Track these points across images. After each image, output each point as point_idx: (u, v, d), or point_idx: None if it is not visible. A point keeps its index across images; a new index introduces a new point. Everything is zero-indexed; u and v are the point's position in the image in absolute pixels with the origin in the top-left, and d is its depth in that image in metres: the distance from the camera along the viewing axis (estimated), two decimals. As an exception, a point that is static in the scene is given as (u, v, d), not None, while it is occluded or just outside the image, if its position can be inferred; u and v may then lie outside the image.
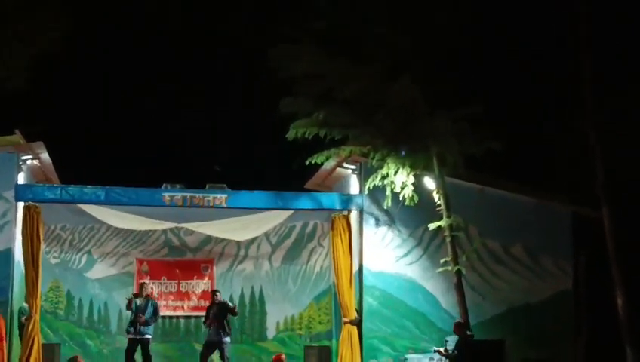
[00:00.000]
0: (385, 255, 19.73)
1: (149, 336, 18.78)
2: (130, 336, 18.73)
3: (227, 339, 18.85)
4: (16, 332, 18.58)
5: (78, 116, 27.24)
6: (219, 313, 18.86)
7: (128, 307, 18.82)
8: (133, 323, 18.69)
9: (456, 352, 16.00)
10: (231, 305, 19.06)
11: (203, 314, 19.80)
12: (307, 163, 18.82)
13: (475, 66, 17.93)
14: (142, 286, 19.32)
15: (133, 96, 27.43)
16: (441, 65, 17.33)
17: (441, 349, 16.37)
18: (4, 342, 17.49)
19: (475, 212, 19.48)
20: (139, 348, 18.65)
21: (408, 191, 18.19)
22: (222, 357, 18.88)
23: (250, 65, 24.18)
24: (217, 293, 19.30)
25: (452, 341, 16.92)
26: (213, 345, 18.86)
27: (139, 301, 18.85)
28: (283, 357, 19.88)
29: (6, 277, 18.47)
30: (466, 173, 18.56)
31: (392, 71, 17.39)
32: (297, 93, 17.85)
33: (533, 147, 21.47)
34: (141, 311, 18.64)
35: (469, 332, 16.65)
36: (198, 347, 20.59)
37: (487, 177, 19.77)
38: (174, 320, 21.55)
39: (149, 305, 18.84)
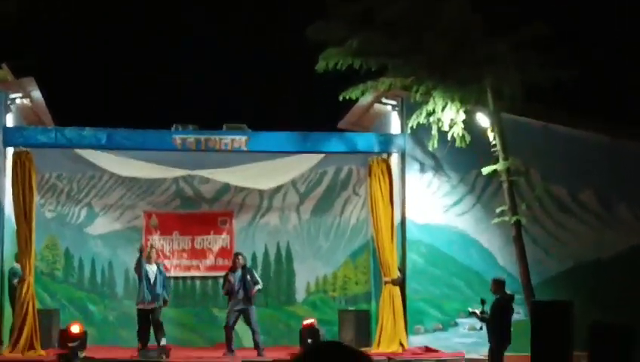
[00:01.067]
0: (431, 204, 19.58)
1: (159, 304, 18.84)
2: (141, 307, 18.73)
3: (253, 306, 18.89)
4: (7, 297, 18.61)
5: (75, 47, 27.07)
6: (245, 278, 18.78)
7: (138, 269, 18.81)
8: (147, 291, 18.69)
9: (488, 314, 15.92)
10: (256, 276, 19.07)
11: (221, 274, 19.73)
12: (340, 98, 18.55)
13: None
14: (149, 253, 19.21)
15: (139, 23, 27.22)
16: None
17: (477, 310, 16.26)
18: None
19: (538, 153, 19.20)
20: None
21: (458, 130, 17.90)
22: (251, 325, 18.85)
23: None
24: (240, 256, 19.18)
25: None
26: (239, 312, 18.84)
27: (147, 267, 18.82)
28: (314, 322, 19.78)
29: (-5, 234, 18.49)
30: (527, 107, 18.25)
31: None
32: (329, 16, 17.53)
33: (608, 76, 21.11)
34: (152, 281, 18.69)
35: (508, 292, 16.48)
36: (217, 312, 20.63)
37: (552, 112, 19.48)
38: (189, 281, 21.56)
39: (159, 273, 18.85)
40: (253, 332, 18.88)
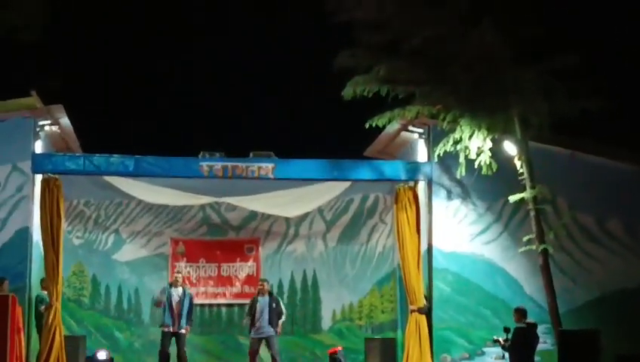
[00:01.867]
0: (458, 232, 19.52)
1: (184, 331, 18.90)
2: (166, 330, 18.80)
3: (277, 335, 19.00)
4: (34, 323, 18.70)
5: (103, 75, 27.30)
6: (271, 304, 18.92)
7: (158, 304, 18.93)
8: (169, 314, 18.78)
9: (509, 342, 15.91)
10: (282, 305, 19.22)
11: (247, 301, 19.79)
12: (367, 126, 18.60)
13: (568, 10, 17.55)
14: (176, 278, 19.32)
15: (167, 51, 27.41)
16: (528, 8, 16.95)
17: (501, 339, 16.25)
18: (22, 334, 17.61)
19: (565, 181, 19.17)
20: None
21: (485, 158, 17.91)
22: (273, 352, 18.91)
23: (299, 8, 23.99)
24: (266, 283, 19.34)
25: None
26: (263, 339, 18.91)
27: (173, 291, 18.91)
28: (337, 350, 19.78)
29: (23, 260, 18.55)
30: (554, 135, 18.22)
31: (469, 15, 17.08)
32: (357, 44, 17.61)
33: (636, 104, 21.07)
34: (174, 305, 18.77)
35: (530, 321, 16.43)
36: (242, 339, 20.64)
37: (579, 140, 19.43)
38: (215, 308, 21.57)
39: (186, 297, 18.95)
40: (274, 361, 18.92)
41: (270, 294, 19.16)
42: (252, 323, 18.99)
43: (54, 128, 19.46)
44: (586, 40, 18.21)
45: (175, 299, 18.83)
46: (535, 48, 17.02)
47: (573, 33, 17.29)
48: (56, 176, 18.75)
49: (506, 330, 16.09)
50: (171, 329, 18.76)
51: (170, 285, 19.14)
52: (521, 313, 16.28)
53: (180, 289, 19.03)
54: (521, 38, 16.94)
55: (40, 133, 19.14)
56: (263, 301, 18.95)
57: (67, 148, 20.47)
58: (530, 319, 16.38)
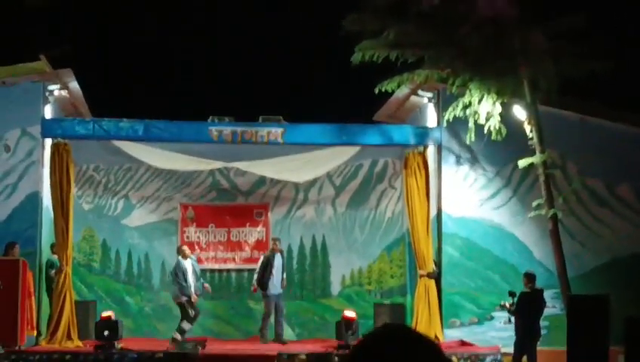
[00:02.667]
0: (467, 197, 19.55)
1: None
2: (176, 301, 19.16)
3: None
4: (45, 287, 18.82)
5: (112, 38, 27.23)
6: (283, 264, 19.56)
7: (182, 275, 19.05)
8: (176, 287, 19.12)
9: (514, 307, 15.95)
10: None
11: (256, 266, 19.93)
12: (376, 91, 18.57)
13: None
14: (183, 250, 19.43)
15: (177, 15, 27.33)
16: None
17: (507, 303, 16.32)
18: (33, 298, 17.74)
19: (575, 146, 19.16)
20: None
21: (495, 123, 17.88)
22: (280, 312, 19.22)
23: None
24: (279, 241, 19.82)
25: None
26: (277, 297, 19.44)
27: (183, 263, 19.05)
28: (356, 320, 19.64)
29: (33, 225, 18.70)
30: (564, 99, 18.19)
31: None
32: (364, 8, 17.54)
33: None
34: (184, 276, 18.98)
35: (537, 287, 16.46)
36: (253, 304, 20.73)
37: (589, 105, 19.38)
38: (224, 273, 21.64)
39: (193, 266, 19.20)
40: (280, 321, 19.14)
41: (281, 252, 19.67)
42: (264, 281, 19.22)
43: (63, 93, 19.49)
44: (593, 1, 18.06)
45: (185, 271, 18.89)
46: (543, 10, 16.93)
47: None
48: (66, 140, 18.82)
49: (512, 294, 16.17)
50: (180, 300, 18.99)
51: (180, 259, 19.18)
52: (529, 278, 16.35)
53: (189, 260, 19.11)
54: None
55: (49, 97, 19.19)
56: (277, 259, 19.22)
57: (76, 113, 20.49)
58: (537, 284, 16.42)
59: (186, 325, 18.80)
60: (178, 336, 18.63)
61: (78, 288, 20.27)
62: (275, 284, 19.45)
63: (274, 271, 19.44)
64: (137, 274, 21.53)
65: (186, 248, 19.55)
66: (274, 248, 19.78)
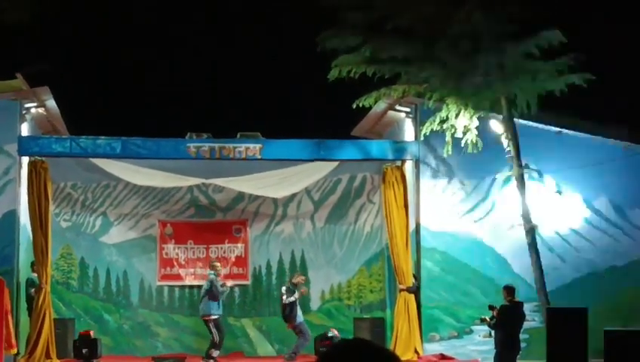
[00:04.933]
0: (446, 211, 19.62)
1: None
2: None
3: None
4: (23, 305, 18.76)
5: (90, 57, 27.22)
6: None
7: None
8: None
9: (494, 320, 16.05)
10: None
11: (238, 282, 19.98)
12: (354, 106, 18.62)
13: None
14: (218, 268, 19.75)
15: (154, 33, 27.33)
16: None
17: (487, 317, 16.39)
18: (10, 316, 17.65)
19: (552, 159, 19.25)
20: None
21: (472, 137, 17.97)
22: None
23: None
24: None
25: None
26: None
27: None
28: (337, 332, 19.67)
29: (10, 243, 18.66)
30: (541, 113, 18.27)
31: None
32: (341, 25, 17.59)
33: (623, 83, 21.08)
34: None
35: (516, 299, 16.55)
36: (232, 321, 20.84)
37: (566, 118, 19.49)
38: (204, 290, 21.58)
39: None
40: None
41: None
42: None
43: (40, 110, 19.49)
44: (571, 15, 18.17)
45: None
46: (520, 26, 17.01)
47: (557, 10, 17.21)
48: (43, 158, 18.79)
49: (491, 308, 16.21)
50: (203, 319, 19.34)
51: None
52: (509, 291, 16.41)
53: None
54: (506, 16, 16.95)
55: (26, 115, 19.21)
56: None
57: (54, 131, 20.49)
58: (517, 297, 16.49)
59: (214, 352, 18.92)
60: None
61: (56, 306, 20.17)
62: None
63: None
64: (116, 291, 21.47)
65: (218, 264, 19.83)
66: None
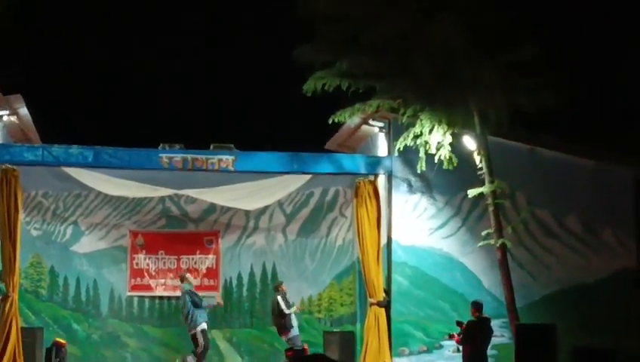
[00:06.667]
0: (417, 226, 19.60)
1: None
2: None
3: None
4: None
5: (63, 66, 27.06)
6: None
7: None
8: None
9: (461, 336, 16.05)
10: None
11: (209, 294, 19.84)
12: (329, 122, 18.59)
13: (527, 4, 17.56)
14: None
15: (128, 43, 27.24)
16: (487, 2, 16.97)
17: (455, 334, 16.38)
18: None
19: (523, 176, 19.27)
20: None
21: (445, 153, 17.94)
22: None
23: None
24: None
25: None
26: None
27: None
28: (306, 347, 19.64)
29: (-21, 251, 18.42)
30: (513, 131, 18.29)
31: (428, 10, 17.07)
32: (317, 38, 17.55)
33: (594, 100, 21.17)
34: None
35: (484, 315, 16.55)
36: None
37: (538, 136, 19.52)
38: (174, 301, 21.43)
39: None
40: None
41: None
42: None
43: (13, 118, 19.34)
44: (544, 35, 18.24)
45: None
46: (494, 42, 17.03)
47: (531, 27, 17.27)
48: (14, 166, 18.60)
49: (459, 324, 16.20)
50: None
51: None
52: (476, 306, 16.41)
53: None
54: (480, 31, 16.97)
55: (-2, 123, 18.98)
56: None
57: (26, 139, 20.32)
58: (485, 313, 16.48)
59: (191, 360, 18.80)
60: None
61: (24, 315, 20.02)
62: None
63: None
64: (85, 301, 21.31)
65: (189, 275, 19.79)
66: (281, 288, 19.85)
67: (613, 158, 19.83)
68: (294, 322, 19.55)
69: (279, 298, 19.53)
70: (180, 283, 19.61)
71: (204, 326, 18.97)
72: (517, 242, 18.96)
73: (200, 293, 19.56)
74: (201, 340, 18.82)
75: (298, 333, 19.59)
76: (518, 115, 17.53)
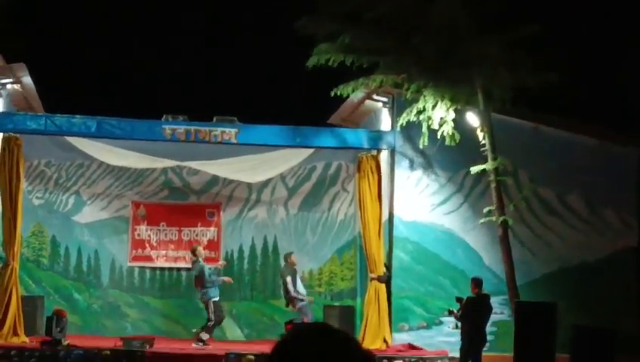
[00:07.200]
0: (419, 202, 19.55)
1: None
2: None
3: None
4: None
5: (67, 34, 26.97)
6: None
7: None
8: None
9: (460, 312, 16.02)
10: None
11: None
12: (331, 95, 18.51)
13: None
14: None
15: (131, 12, 27.11)
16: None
17: (454, 310, 16.37)
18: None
19: (526, 154, 19.21)
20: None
21: (448, 129, 17.88)
22: None
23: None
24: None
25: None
26: None
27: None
28: (306, 320, 19.64)
29: (-19, 219, 18.41)
30: (517, 108, 18.22)
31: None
32: (321, 13, 17.45)
33: (598, 79, 21.08)
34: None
35: (483, 292, 16.54)
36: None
37: (542, 113, 19.44)
38: (175, 272, 21.48)
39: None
40: None
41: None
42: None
43: (16, 87, 19.26)
44: (547, 11, 18.14)
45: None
46: (498, 19, 16.94)
47: (535, 4, 17.18)
48: (17, 135, 18.56)
49: (459, 300, 16.21)
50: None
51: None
52: (476, 283, 16.43)
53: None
54: (484, 9, 16.85)
55: (1, 91, 18.97)
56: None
57: (29, 108, 20.24)
58: (485, 290, 16.47)
59: (204, 335, 18.85)
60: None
61: (25, 283, 20.07)
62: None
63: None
64: (86, 271, 21.35)
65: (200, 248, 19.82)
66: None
67: (617, 137, 19.77)
68: (302, 293, 19.57)
69: (288, 279, 19.46)
70: (191, 255, 19.51)
71: (214, 299, 18.99)
72: (519, 219, 18.93)
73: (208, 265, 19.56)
74: (211, 315, 18.85)
75: (306, 302, 19.61)
76: (522, 93, 17.45)
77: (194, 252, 19.39)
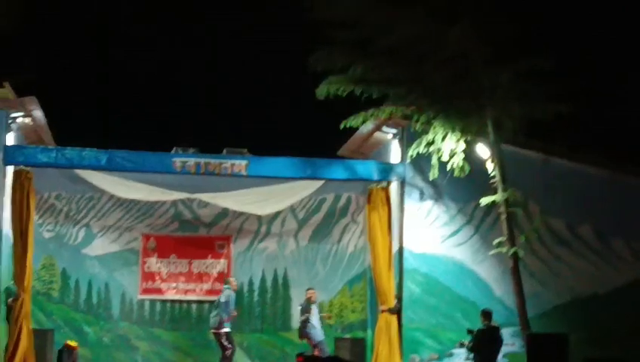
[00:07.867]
0: (429, 234, 19.50)
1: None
2: None
3: None
4: (3, 315, 18.52)
5: (78, 68, 27.10)
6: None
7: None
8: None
9: (471, 344, 16.00)
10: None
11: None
12: (341, 127, 18.51)
13: (544, 11, 17.47)
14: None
15: (141, 46, 27.25)
16: (504, 9, 16.87)
17: (466, 342, 16.32)
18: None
19: (537, 185, 19.13)
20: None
21: (458, 160, 17.86)
22: None
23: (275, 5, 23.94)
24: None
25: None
26: None
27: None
28: (317, 352, 19.56)
29: (-8, 252, 18.40)
30: (527, 139, 18.19)
31: (445, 14, 16.99)
32: (331, 43, 17.47)
33: (608, 111, 21.07)
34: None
35: (494, 324, 16.49)
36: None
37: (552, 145, 19.40)
38: (185, 304, 21.44)
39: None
40: None
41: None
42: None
43: (27, 120, 19.28)
44: (560, 43, 18.16)
45: None
46: (510, 50, 16.93)
47: (548, 36, 17.19)
48: (28, 168, 18.59)
49: (470, 332, 16.15)
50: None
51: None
52: (485, 315, 16.40)
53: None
54: (496, 39, 16.87)
55: (12, 125, 18.97)
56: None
57: (40, 141, 20.29)
58: (495, 322, 16.40)
59: None
60: None
61: (36, 316, 20.01)
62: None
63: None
64: (97, 303, 21.30)
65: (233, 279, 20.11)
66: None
67: (628, 168, 19.70)
68: (314, 328, 19.46)
69: (299, 307, 19.62)
70: (225, 286, 19.72)
71: (225, 330, 19.10)
72: (529, 251, 18.81)
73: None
74: (225, 343, 18.95)
75: (323, 338, 19.53)
76: (533, 124, 17.43)
77: (227, 282, 19.69)
